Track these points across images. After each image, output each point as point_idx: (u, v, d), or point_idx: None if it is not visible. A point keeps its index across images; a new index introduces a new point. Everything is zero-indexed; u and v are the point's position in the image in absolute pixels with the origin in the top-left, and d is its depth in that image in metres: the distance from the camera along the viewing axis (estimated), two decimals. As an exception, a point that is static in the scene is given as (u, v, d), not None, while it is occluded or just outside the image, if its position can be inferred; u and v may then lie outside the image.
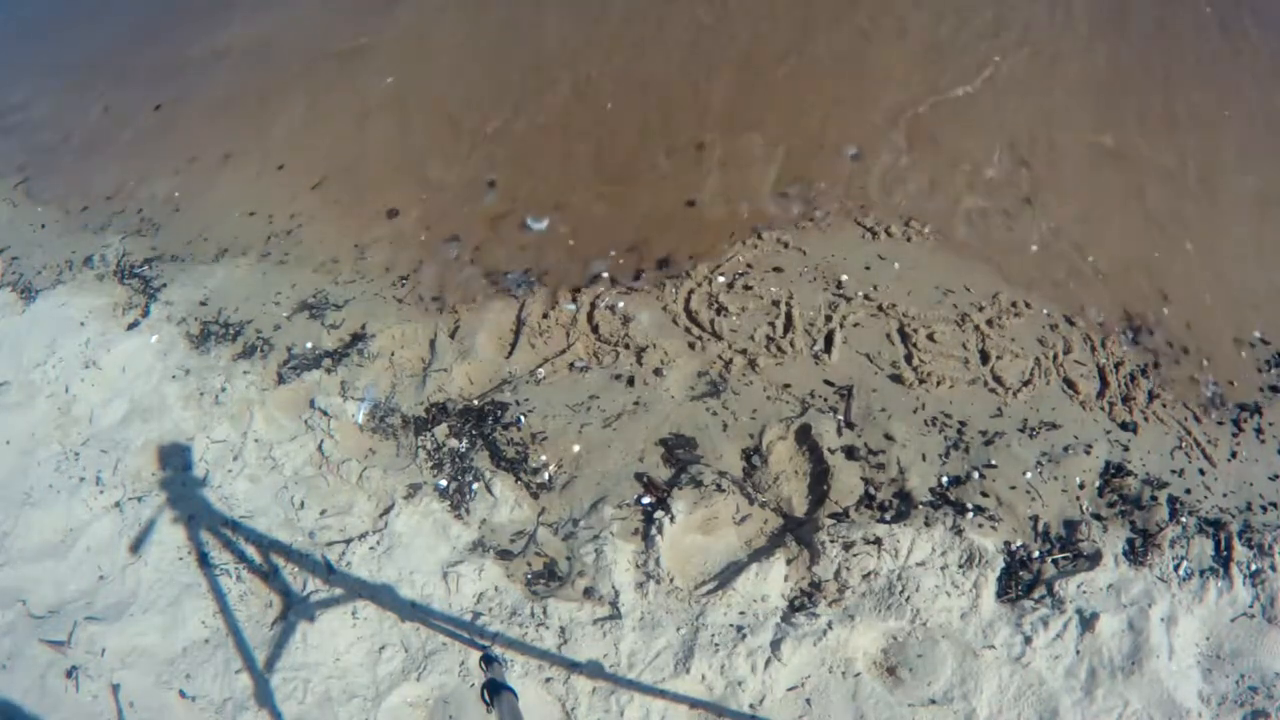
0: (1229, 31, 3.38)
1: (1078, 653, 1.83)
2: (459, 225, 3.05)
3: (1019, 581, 1.96)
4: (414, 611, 2.04)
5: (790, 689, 1.85)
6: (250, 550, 2.24)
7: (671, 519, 2.10)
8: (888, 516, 2.07)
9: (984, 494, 2.08)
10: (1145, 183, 2.84)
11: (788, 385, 2.36)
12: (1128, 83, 3.21)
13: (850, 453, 2.19)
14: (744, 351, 2.45)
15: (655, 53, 3.58)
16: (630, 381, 2.44)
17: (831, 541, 2.01)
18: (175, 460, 2.48)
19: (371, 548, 2.17)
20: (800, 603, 1.96)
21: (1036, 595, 1.92)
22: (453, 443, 2.37)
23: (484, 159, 3.29)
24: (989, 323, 2.46)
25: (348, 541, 2.20)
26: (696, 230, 2.84)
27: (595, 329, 2.59)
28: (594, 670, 1.89)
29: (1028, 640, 1.84)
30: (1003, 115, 3.09)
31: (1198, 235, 2.67)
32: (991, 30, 3.44)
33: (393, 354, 2.64)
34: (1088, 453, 2.14)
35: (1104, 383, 2.31)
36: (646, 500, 2.17)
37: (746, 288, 2.62)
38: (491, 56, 3.80)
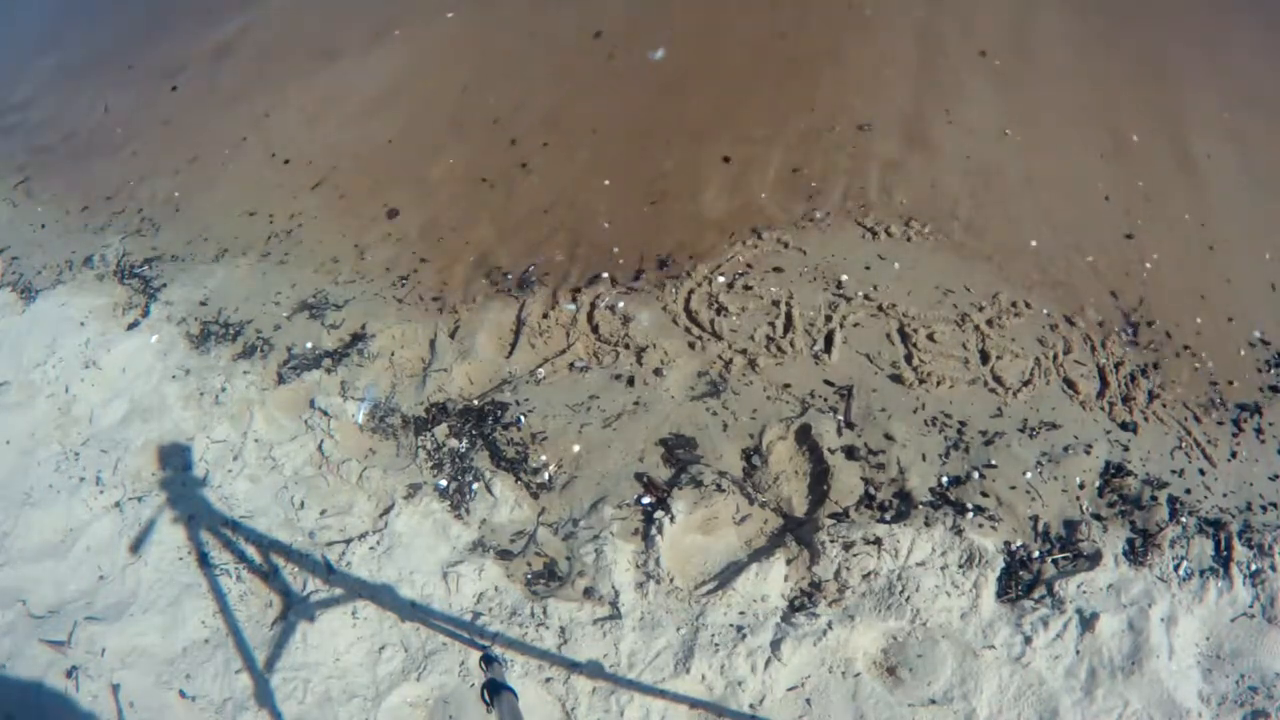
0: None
1: (1078, 653, 1.83)
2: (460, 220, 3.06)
3: (1019, 581, 1.96)
4: (414, 611, 2.04)
5: (790, 689, 1.85)
6: (250, 550, 2.24)
7: (671, 519, 2.10)
8: (888, 516, 2.07)
9: (984, 494, 2.08)
10: (1145, 178, 2.84)
11: (788, 385, 2.36)
12: (1126, 77, 3.21)
13: (850, 453, 2.19)
14: (744, 351, 2.45)
15: (656, 50, 3.58)
16: (630, 381, 2.44)
17: (831, 541, 2.01)
18: (175, 460, 2.48)
19: (371, 548, 2.17)
20: (800, 603, 1.96)
21: (1036, 595, 1.92)
22: (453, 443, 2.37)
23: (483, 154, 3.30)
24: (989, 323, 2.46)
25: (348, 541, 2.20)
26: (697, 230, 2.84)
27: (595, 329, 2.59)
28: (594, 670, 1.89)
29: (1028, 640, 1.84)
30: (1002, 110, 3.09)
31: (1198, 233, 2.67)
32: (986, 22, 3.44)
33: (393, 354, 2.64)
34: (1088, 453, 2.14)
35: (1104, 383, 2.31)
36: (646, 500, 2.17)
37: (746, 288, 2.62)
38: (495, 55, 3.80)
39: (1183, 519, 2.01)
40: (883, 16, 3.57)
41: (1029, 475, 2.11)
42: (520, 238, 2.94)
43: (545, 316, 2.63)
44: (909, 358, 2.39)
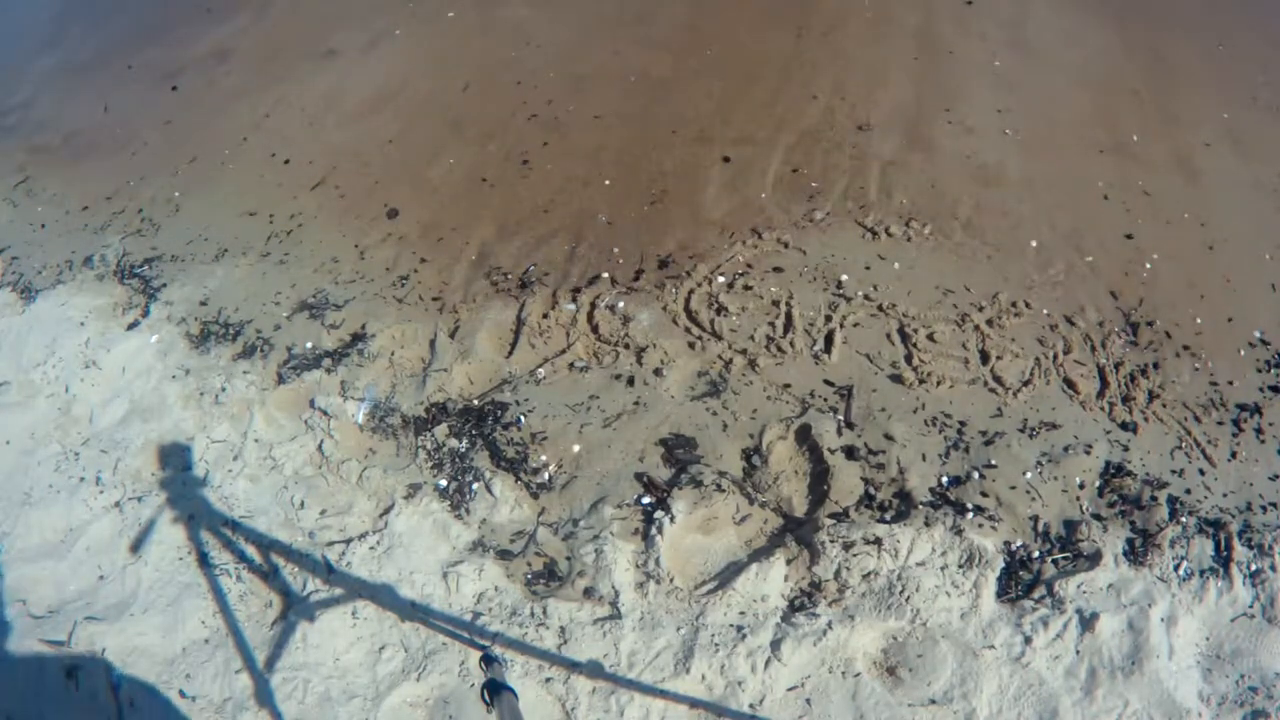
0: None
1: (1078, 653, 1.83)
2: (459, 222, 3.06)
3: (1019, 581, 1.96)
4: (414, 611, 2.04)
5: (790, 689, 1.85)
6: (250, 550, 2.24)
7: (671, 519, 2.09)
8: (888, 516, 2.07)
9: (984, 494, 2.08)
10: (1144, 178, 2.84)
11: (788, 385, 2.36)
12: (1125, 76, 3.21)
13: (850, 453, 2.19)
14: (744, 351, 2.45)
15: (656, 50, 3.58)
16: (630, 381, 2.44)
17: (831, 541, 2.01)
18: (175, 460, 2.48)
19: (371, 548, 2.17)
20: (800, 603, 1.96)
21: (1036, 595, 1.92)
22: (453, 443, 2.37)
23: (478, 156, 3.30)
24: (989, 323, 2.46)
25: (348, 541, 2.20)
26: (696, 230, 2.84)
27: (595, 329, 2.59)
28: (594, 670, 1.89)
29: (1028, 640, 1.84)
30: (1002, 110, 3.10)
31: (1198, 233, 2.67)
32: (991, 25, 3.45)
33: (393, 354, 2.64)
34: (1088, 453, 2.14)
35: (1104, 383, 2.31)
36: (646, 500, 2.17)
37: (746, 288, 2.62)
38: (496, 55, 3.80)
39: (1183, 519, 2.01)
40: (883, 16, 3.57)
41: (1029, 475, 2.11)
42: (520, 237, 2.94)
43: (545, 316, 2.63)
44: (909, 358, 2.39)
